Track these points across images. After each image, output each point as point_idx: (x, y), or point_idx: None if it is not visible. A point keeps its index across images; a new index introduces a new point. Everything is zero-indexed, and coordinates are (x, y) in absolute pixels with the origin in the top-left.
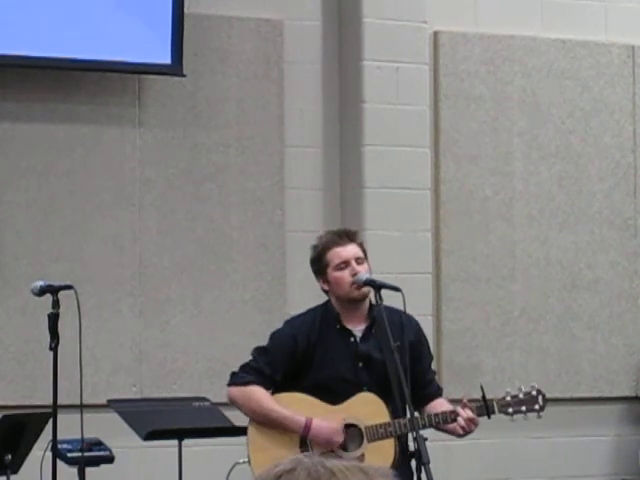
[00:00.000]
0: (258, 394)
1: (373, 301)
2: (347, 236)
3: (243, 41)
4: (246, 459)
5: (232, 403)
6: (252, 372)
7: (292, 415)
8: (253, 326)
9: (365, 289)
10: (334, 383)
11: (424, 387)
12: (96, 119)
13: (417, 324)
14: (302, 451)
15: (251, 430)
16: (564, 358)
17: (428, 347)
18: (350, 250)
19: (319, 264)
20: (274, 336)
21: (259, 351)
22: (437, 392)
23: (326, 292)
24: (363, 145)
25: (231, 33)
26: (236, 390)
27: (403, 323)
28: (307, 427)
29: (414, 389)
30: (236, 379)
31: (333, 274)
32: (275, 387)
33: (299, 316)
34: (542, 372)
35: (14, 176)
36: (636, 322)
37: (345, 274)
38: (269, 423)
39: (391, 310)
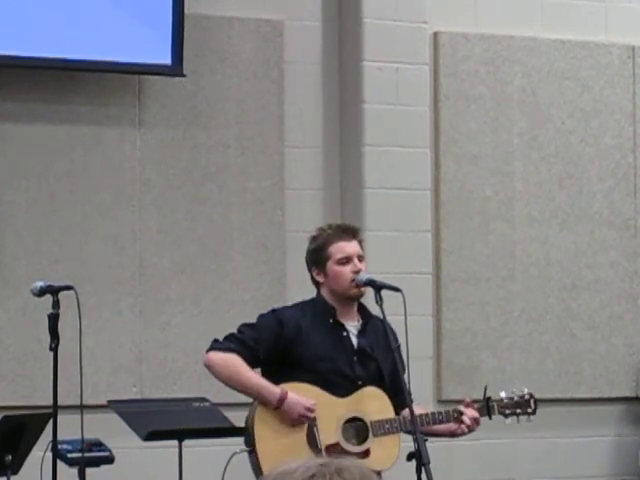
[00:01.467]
0: (236, 361)
1: (373, 301)
2: (351, 232)
3: (243, 41)
4: (244, 448)
5: (208, 368)
6: (235, 341)
7: (267, 385)
8: None
9: (363, 289)
10: (332, 376)
11: (401, 392)
12: (96, 119)
13: (395, 332)
14: (308, 441)
15: (257, 418)
16: (564, 358)
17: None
18: (354, 246)
19: (319, 255)
20: (263, 316)
21: (246, 325)
22: (410, 398)
23: (317, 285)
24: (363, 145)
25: (231, 33)
26: (215, 355)
27: (385, 329)
28: (281, 399)
29: (393, 394)
30: (216, 345)
31: (334, 268)
32: (257, 365)
33: (286, 308)
34: (542, 372)
35: (14, 176)
36: (636, 322)
37: (346, 270)
38: (243, 390)
39: (373, 316)
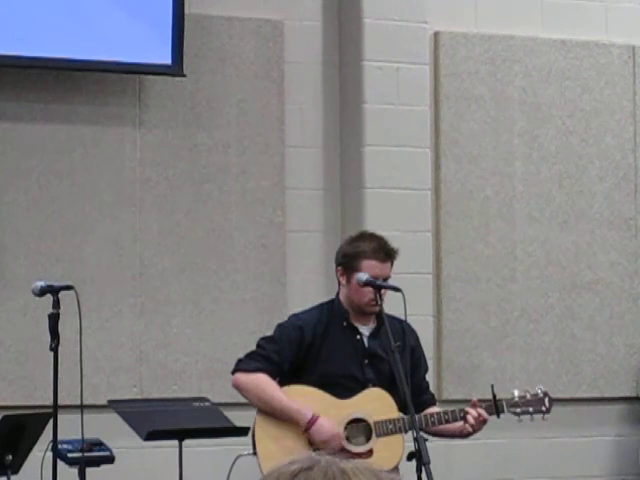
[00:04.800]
0: (265, 381)
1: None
2: (388, 254)
3: (243, 41)
4: (250, 451)
5: (237, 389)
6: (260, 359)
7: (298, 407)
8: (253, 326)
9: (377, 307)
10: (341, 379)
11: (421, 394)
12: (96, 119)
13: (415, 333)
14: (310, 442)
15: (258, 419)
16: (564, 358)
17: (425, 356)
18: (384, 269)
19: (349, 262)
20: (281, 327)
21: (266, 340)
22: (432, 400)
23: (338, 283)
24: (363, 145)
25: (231, 33)
26: (242, 376)
27: (404, 329)
28: (311, 422)
29: (412, 395)
30: (243, 365)
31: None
32: (282, 376)
33: (305, 312)
34: (542, 372)
35: (14, 176)
36: (636, 322)
37: (368, 289)
38: (274, 412)
39: (392, 317)
